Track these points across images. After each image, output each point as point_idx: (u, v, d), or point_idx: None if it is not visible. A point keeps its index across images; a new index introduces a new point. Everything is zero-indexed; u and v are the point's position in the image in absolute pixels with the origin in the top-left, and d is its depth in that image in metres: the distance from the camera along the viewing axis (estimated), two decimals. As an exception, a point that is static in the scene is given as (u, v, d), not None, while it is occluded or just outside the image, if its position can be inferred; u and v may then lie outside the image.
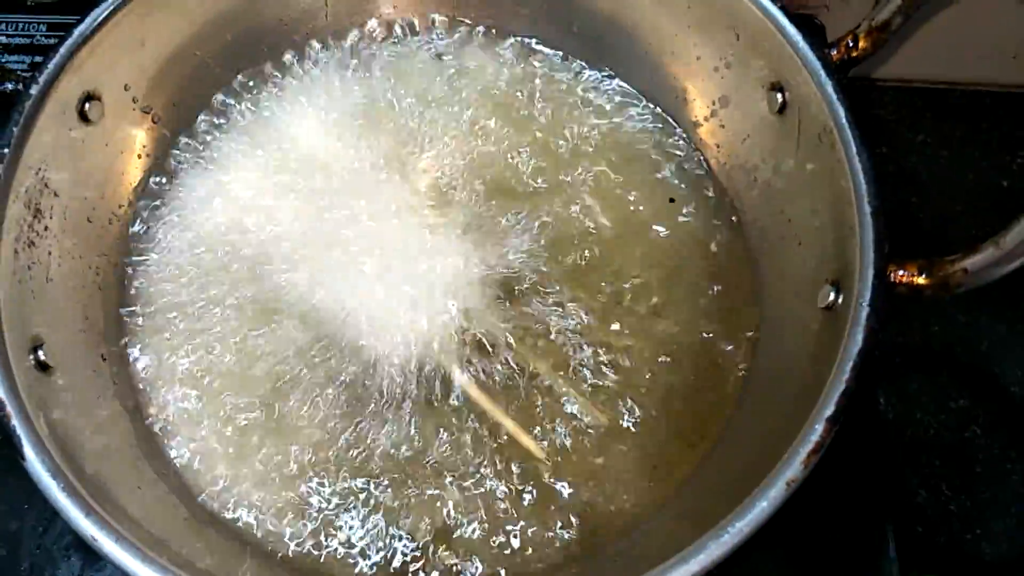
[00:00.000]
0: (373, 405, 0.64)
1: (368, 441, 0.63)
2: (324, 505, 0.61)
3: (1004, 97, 0.88)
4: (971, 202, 0.83)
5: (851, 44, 0.64)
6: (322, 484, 0.62)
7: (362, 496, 0.61)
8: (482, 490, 0.61)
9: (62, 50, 0.61)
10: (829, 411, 0.51)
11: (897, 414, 0.73)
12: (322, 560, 0.60)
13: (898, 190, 0.83)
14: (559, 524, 0.61)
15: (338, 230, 0.68)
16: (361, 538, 0.60)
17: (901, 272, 0.56)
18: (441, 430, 0.63)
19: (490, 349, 0.65)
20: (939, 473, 0.71)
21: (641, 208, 0.72)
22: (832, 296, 0.58)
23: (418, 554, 0.60)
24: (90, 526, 0.49)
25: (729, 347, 0.66)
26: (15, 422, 0.51)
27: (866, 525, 0.67)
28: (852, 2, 0.83)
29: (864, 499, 0.68)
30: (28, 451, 0.50)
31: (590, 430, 0.63)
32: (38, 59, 0.86)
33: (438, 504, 0.61)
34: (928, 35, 0.84)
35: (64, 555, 0.67)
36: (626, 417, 0.64)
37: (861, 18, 0.82)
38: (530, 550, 0.60)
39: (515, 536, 0.60)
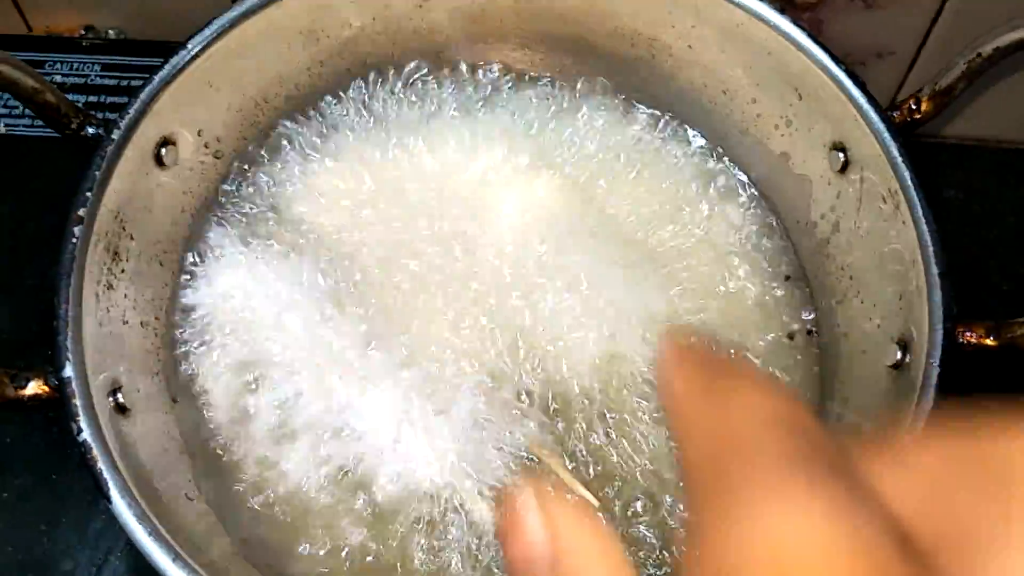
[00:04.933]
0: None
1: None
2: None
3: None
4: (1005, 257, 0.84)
5: (913, 107, 0.65)
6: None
7: None
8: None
9: (143, 95, 0.62)
10: (904, 471, 0.52)
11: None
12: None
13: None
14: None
15: (424, 278, 0.68)
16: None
17: (969, 333, 0.57)
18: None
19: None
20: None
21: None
22: (899, 355, 0.59)
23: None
24: (177, 571, 0.49)
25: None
26: (101, 465, 0.51)
27: None
28: (888, 58, 0.85)
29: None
30: (114, 495, 0.51)
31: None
32: (92, 99, 0.88)
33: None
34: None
35: (118, 595, 0.67)
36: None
37: (897, 74, 0.84)
38: None
39: None
